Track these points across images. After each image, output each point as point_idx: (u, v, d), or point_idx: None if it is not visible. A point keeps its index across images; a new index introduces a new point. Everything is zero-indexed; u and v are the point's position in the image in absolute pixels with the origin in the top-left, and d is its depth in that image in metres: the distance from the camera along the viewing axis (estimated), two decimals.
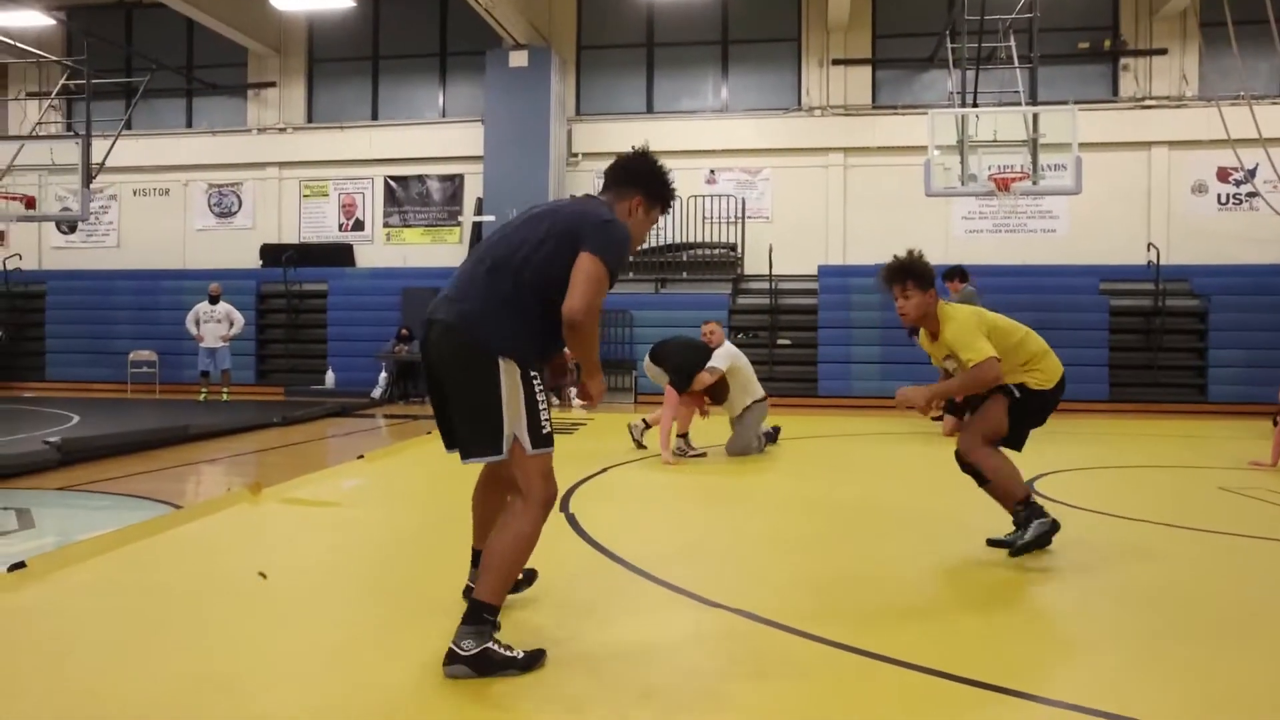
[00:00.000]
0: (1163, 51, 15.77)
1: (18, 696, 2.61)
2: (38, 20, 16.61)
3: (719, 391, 7.57)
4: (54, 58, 16.52)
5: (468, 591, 3.17)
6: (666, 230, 16.21)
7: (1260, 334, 14.10)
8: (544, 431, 2.81)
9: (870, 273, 15.30)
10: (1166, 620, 3.35)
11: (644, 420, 8.43)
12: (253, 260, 17.80)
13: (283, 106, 18.19)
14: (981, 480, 4.25)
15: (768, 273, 15.87)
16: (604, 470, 7.04)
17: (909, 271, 4.12)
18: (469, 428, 2.83)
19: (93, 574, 3.90)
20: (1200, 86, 15.56)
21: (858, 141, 16.27)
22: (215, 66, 18.35)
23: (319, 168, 17.89)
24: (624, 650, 2.97)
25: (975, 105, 12.74)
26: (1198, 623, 3.34)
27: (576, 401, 7.88)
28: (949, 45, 13.63)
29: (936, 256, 15.04)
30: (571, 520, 5.07)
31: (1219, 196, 15.59)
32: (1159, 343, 14.77)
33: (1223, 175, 15.48)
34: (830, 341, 15.10)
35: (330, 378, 15.97)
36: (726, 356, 7.75)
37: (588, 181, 16.85)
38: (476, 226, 16.24)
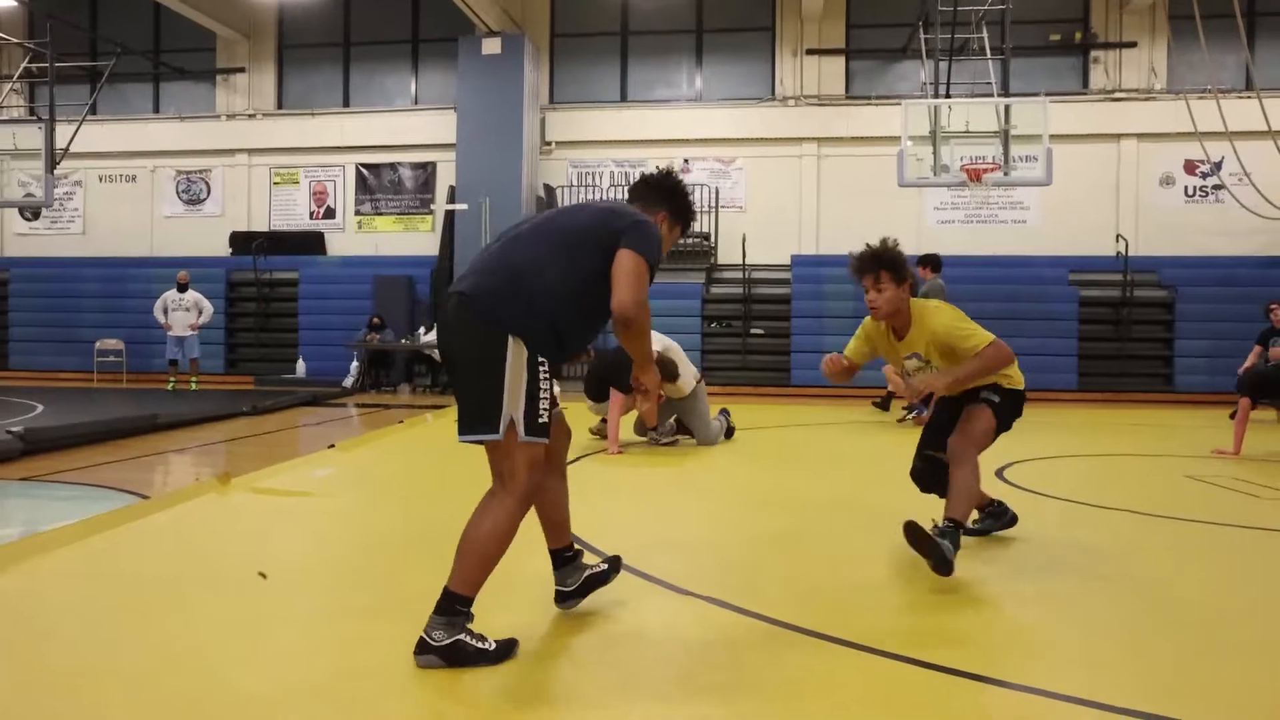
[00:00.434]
0: (1132, 44, 15.93)
1: None
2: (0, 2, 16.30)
3: (666, 369, 7.55)
4: (15, 40, 16.22)
5: (560, 596, 3.16)
6: None
7: (1226, 324, 14.31)
8: (540, 421, 2.75)
9: (844, 263, 15.33)
10: (1137, 608, 3.40)
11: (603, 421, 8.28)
12: (222, 248, 17.61)
13: (252, 92, 17.99)
14: (937, 481, 4.11)
15: (741, 262, 15.90)
16: (574, 460, 7.05)
17: (883, 261, 3.87)
18: (468, 404, 2.77)
19: (61, 563, 3.86)
20: (1169, 79, 15.73)
21: (831, 132, 16.33)
22: (183, 51, 18.10)
23: (289, 155, 17.72)
24: (599, 639, 2.98)
25: (948, 96, 12.82)
26: (1169, 610, 3.38)
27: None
28: (922, 36, 13.69)
29: (909, 246, 14.99)
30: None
31: (1186, 189, 15.78)
32: (1127, 333, 14.97)
33: (1190, 168, 15.67)
34: (803, 331, 15.16)
35: (301, 367, 15.86)
36: (655, 340, 7.76)
37: (561, 170, 16.80)
38: (449, 215, 16.15)
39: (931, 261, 10.51)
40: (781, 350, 15.39)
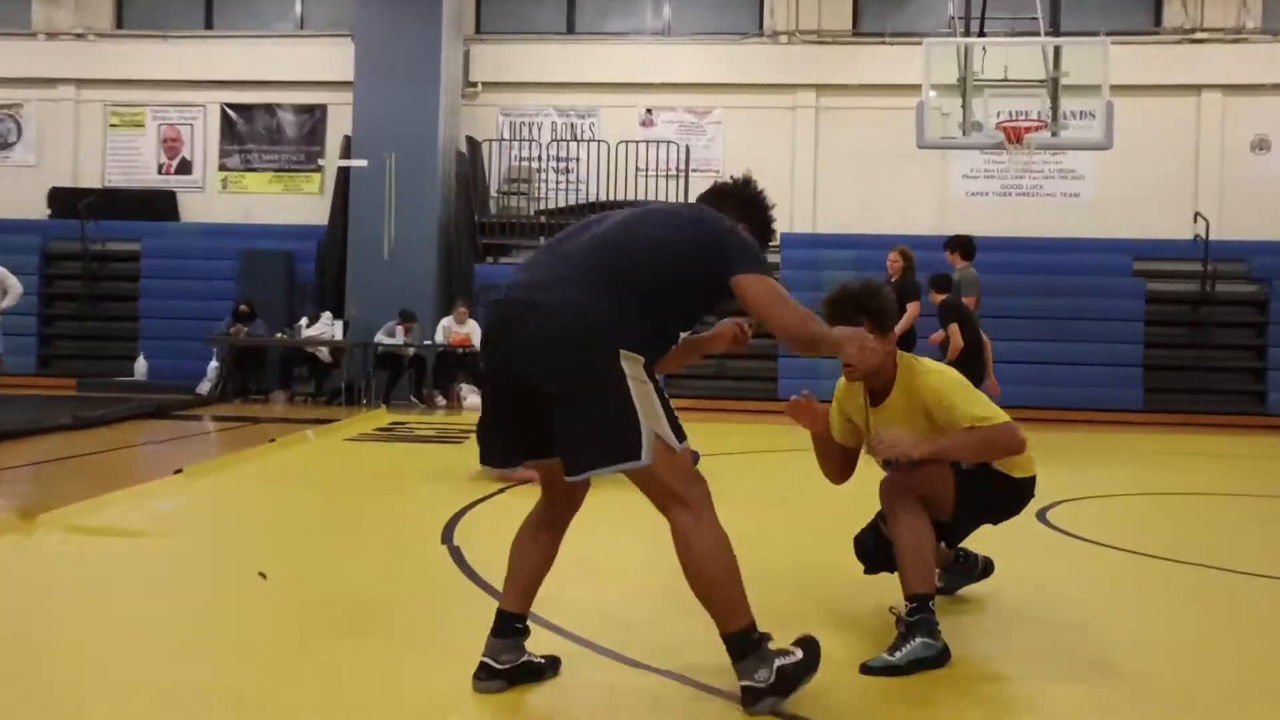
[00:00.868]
0: None
1: None
2: None
3: None
4: None
5: (483, 672, 3.23)
6: (589, 184, 16.15)
7: None
8: (680, 426, 3.09)
9: (848, 244, 15.46)
10: (1193, 681, 3.38)
11: None
12: (37, 209, 17.34)
13: (81, 5, 17.69)
14: (889, 559, 3.90)
15: None
16: (501, 492, 6.99)
17: (865, 307, 3.72)
18: (593, 433, 3.00)
19: None
20: (1264, 16, 15.98)
21: (833, 77, 16.42)
22: None
23: (131, 89, 17.50)
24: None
25: (982, 34, 12.92)
26: (1234, 682, 3.37)
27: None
28: None
29: (929, 225, 15.38)
30: (455, 554, 5.05)
31: None
32: (1207, 338, 15.18)
33: None
34: None
35: (141, 366, 15.61)
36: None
37: (489, 120, 16.72)
38: (343, 174, 15.99)
39: (962, 246, 10.52)
40: (767, 354, 15.36)
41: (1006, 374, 10.69)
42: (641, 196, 16.23)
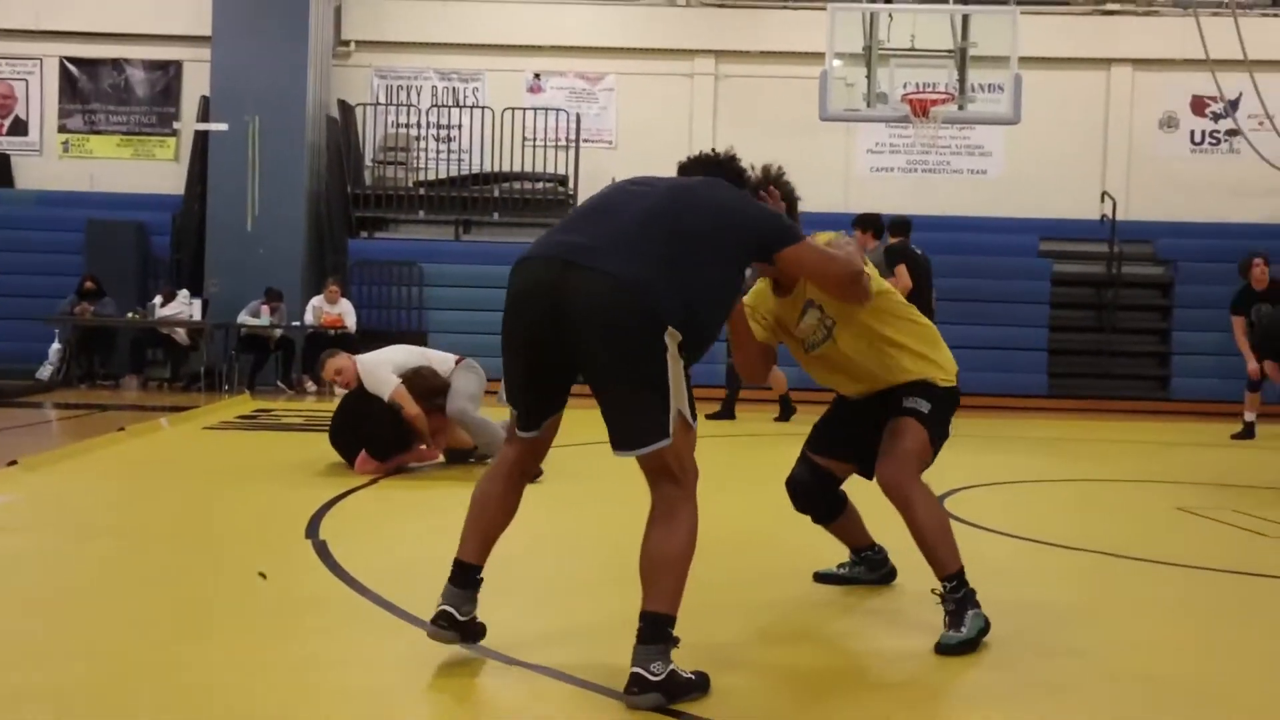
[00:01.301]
0: None
1: None
2: None
3: (431, 383, 7.53)
4: None
5: (444, 620, 3.33)
6: (472, 154, 16.07)
7: None
8: (693, 402, 3.28)
9: None
10: (1109, 693, 3.53)
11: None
12: None
13: None
14: (822, 502, 4.32)
15: None
16: (373, 483, 7.00)
17: (720, 171, 3.82)
18: (638, 409, 3.17)
19: None
20: None
21: (734, 43, 16.57)
22: None
23: None
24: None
25: (889, 1, 13.12)
26: (1152, 693, 3.54)
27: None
28: None
29: (835, 201, 15.56)
30: (321, 548, 5.06)
31: (1193, 134, 16.63)
32: (1113, 321, 15.64)
33: (1199, 106, 16.48)
34: None
35: None
36: (380, 365, 7.61)
37: (364, 82, 16.53)
38: (201, 138, 15.69)
39: (873, 224, 10.56)
40: None
41: None
42: (529, 168, 16.24)
